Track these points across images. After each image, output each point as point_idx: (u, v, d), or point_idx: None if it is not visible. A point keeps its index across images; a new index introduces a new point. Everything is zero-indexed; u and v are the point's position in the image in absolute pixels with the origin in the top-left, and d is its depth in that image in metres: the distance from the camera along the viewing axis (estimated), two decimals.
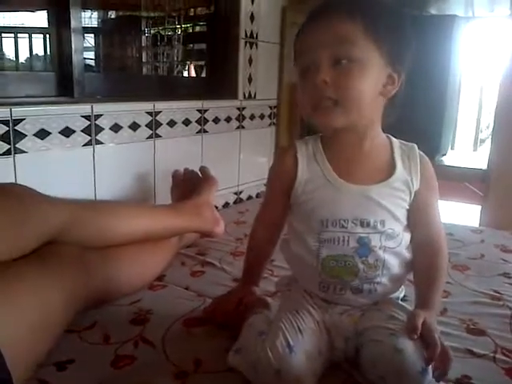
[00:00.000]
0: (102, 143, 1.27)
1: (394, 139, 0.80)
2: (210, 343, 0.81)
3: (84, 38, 1.31)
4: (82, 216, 0.91)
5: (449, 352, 0.67)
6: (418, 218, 0.77)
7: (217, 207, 1.67)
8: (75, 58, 1.26)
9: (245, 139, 1.79)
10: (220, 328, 0.85)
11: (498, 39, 2.27)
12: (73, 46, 1.25)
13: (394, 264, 0.76)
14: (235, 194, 1.81)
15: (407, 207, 0.77)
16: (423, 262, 0.78)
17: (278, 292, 0.91)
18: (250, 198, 1.89)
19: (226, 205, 1.78)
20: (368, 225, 0.73)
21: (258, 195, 1.91)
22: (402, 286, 0.84)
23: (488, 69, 2.76)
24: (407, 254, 0.78)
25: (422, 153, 0.79)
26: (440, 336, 0.68)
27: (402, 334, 0.67)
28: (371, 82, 0.71)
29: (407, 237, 0.78)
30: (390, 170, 0.76)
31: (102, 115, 1.26)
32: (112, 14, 2.12)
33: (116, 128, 1.30)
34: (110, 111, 1.28)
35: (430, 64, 1.64)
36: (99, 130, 1.26)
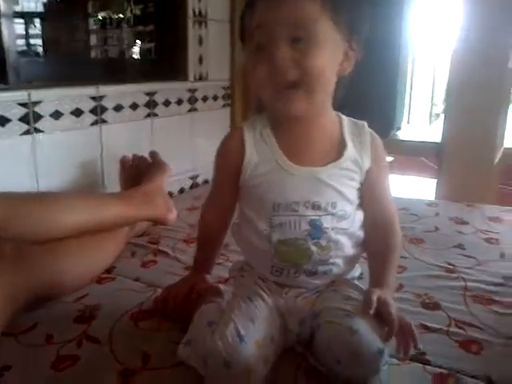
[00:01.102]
0: (42, 131, 1.20)
1: (344, 117, 0.77)
2: (160, 337, 0.78)
3: (30, 23, 1.23)
4: (20, 210, 0.85)
5: (411, 327, 0.66)
6: (370, 196, 0.76)
7: (172, 193, 1.63)
8: (8, 43, 1.17)
9: (198, 122, 1.74)
10: (170, 320, 0.81)
11: (448, 15, 2.28)
12: (3, 31, 1.16)
13: (347, 245, 0.75)
14: (191, 178, 1.77)
15: (358, 187, 0.75)
16: (376, 242, 0.76)
17: (231, 278, 0.88)
18: (206, 182, 1.84)
19: (182, 190, 1.73)
20: (319, 207, 0.71)
21: None
22: (358, 265, 0.82)
23: (440, 44, 2.78)
24: (360, 234, 0.77)
25: (372, 131, 0.77)
26: (399, 312, 0.67)
27: (358, 314, 0.66)
28: (330, 60, 0.68)
29: (359, 216, 0.76)
30: (341, 150, 0.74)
31: (41, 102, 1.19)
32: None
33: (57, 115, 1.23)
34: (50, 97, 1.21)
35: (382, 39, 1.62)
36: (38, 117, 1.19)
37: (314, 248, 0.72)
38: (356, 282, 0.80)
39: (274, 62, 0.66)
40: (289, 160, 0.72)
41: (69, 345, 0.75)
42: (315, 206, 0.71)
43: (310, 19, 0.66)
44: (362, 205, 0.77)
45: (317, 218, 0.71)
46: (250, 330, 0.66)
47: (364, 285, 0.77)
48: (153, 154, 1.30)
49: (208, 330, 0.66)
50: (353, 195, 0.74)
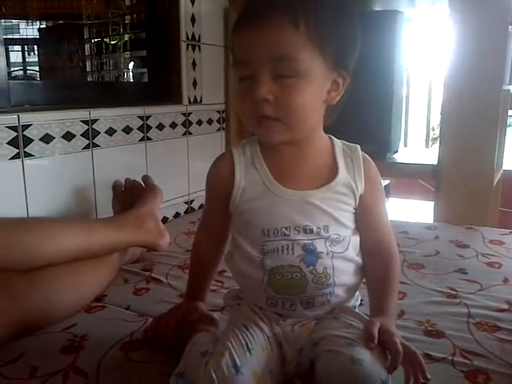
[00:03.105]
0: (32, 156, 1.17)
1: (336, 140, 0.75)
2: (151, 368, 0.74)
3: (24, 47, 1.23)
4: (5, 237, 0.82)
5: (418, 356, 0.62)
6: (365, 221, 0.74)
7: (167, 218, 1.60)
8: None
9: (193, 145, 1.72)
10: (162, 350, 0.77)
11: (440, 37, 2.30)
12: None
13: (345, 271, 0.72)
14: (186, 203, 1.74)
15: (353, 211, 0.72)
16: (374, 268, 0.74)
17: (227, 306, 0.85)
18: (201, 206, 1.81)
19: (177, 215, 1.70)
20: (311, 231, 0.69)
21: None
22: (358, 293, 0.79)
23: (435, 67, 2.81)
24: (358, 259, 0.74)
25: (365, 154, 0.75)
26: (404, 340, 0.63)
27: (360, 343, 0.62)
28: (315, 93, 0.66)
29: (355, 240, 0.74)
30: (332, 173, 0.71)
31: (30, 125, 1.16)
32: (47, 23, 2.03)
33: (47, 139, 1.21)
34: (40, 121, 1.19)
35: (375, 61, 1.62)
36: (28, 141, 1.16)
37: (309, 276, 0.69)
38: (357, 310, 0.77)
39: (255, 98, 0.64)
40: (278, 183, 0.70)
41: (55, 377, 0.71)
42: (307, 230, 0.69)
43: (294, 55, 0.63)
44: (358, 230, 0.74)
45: (309, 242, 0.69)
46: (247, 360, 0.62)
47: (363, 311, 0.74)
48: (145, 179, 1.28)
49: (202, 360, 0.62)
50: (347, 219, 0.72)
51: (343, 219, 0.71)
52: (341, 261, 0.71)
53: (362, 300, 0.80)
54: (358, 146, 0.75)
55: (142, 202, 1.16)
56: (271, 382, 0.64)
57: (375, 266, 0.74)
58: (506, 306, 0.93)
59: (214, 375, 0.59)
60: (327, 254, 0.69)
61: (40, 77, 1.86)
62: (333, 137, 0.76)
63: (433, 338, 0.82)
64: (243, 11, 0.68)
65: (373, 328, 0.63)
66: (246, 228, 0.73)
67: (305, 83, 0.64)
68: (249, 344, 0.65)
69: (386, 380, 0.59)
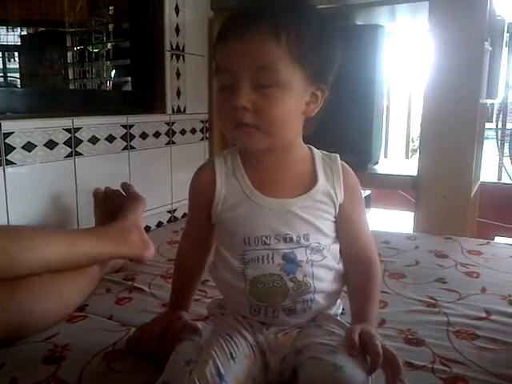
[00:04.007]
0: (13, 163, 1.16)
1: (315, 150, 0.77)
2: (134, 378, 0.73)
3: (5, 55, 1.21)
4: None
5: (396, 358, 0.63)
6: (347, 230, 0.75)
7: (149, 227, 1.59)
8: None
9: (176, 155, 1.72)
10: (145, 360, 0.77)
11: (420, 51, 2.36)
12: None
13: (325, 278, 0.73)
14: (169, 212, 1.74)
15: (333, 219, 0.74)
16: (355, 276, 0.75)
17: (210, 316, 0.85)
18: (184, 215, 1.81)
19: (160, 224, 1.69)
20: (291, 240, 0.70)
21: None
22: (339, 301, 0.80)
23: (414, 80, 2.87)
24: (338, 267, 0.75)
25: (344, 163, 0.76)
26: (384, 343, 0.64)
27: (342, 350, 0.63)
28: (294, 104, 0.67)
29: (335, 248, 0.75)
30: (312, 181, 0.73)
31: (12, 133, 1.15)
32: (28, 30, 2.02)
33: (29, 147, 1.20)
34: (22, 129, 1.18)
35: (356, 73, 1.65)
36: (10, 149, 1.15)
37: (290, 284, 0.69)
38: (338, 318, 0.78)
39: (234, 104, 0.65)
40: (259, 192, 0.71)
41: None
42: (287, 239, 0.70)
43: (274, 66, 0.64)
44: (339, 238, 0.75)
45: (290, 251, 0.70)
46: (231, 368, 0.63)
47: (345, 319, 0.75)
48: (125, 187, 1.26)
49: (186, 369, 0.63)
50: (327, 228, 0.73)
51: (323, 228, 0.72)
52: (321, 269, 0.72)
53: (343, 309, 0.81)
54: (338, 156, 0.76)
55: (126, 214, 1.15)
56: None
57: (356, 274, 0.75)
58: (484, 315, 0.95)
59: (198, 383, 0.59)
60: (307, 262, 0.70)
61: (21, 84, 1.84)
62: (312, 147, 0.77)
63: (413, 346, 0.83)
64: (227, 22, 0.69)
65: (354, 334, 0.64)
66: (227, 237, 0.73)
67: (284, 94, 0.65)
68: (232, 352, 0.66)
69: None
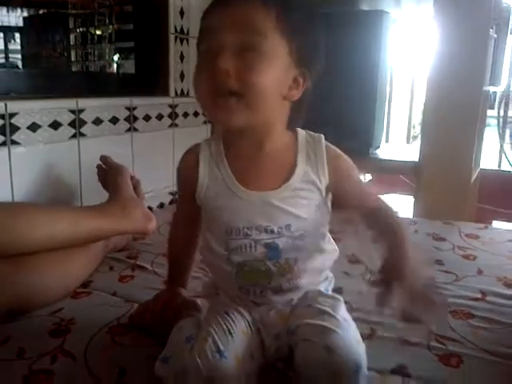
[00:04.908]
0: (18, 144, 1.17)
1: (301, 134, 0.74)
2: (137, 352, 0.75)
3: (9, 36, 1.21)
4: None
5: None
6: (350, 202, 0.74)
7: (151, 208, 1.61)
8: None
9: (179, 137, 1.73)
10: (148, 335, 0.79)
11: (424, 38, 2.35)
12: None
13: (308, 260, 0.73)
14: (171, 194, 1.75)
15: (317, 202, 0.72)
16: (376, 227, 0.73)
17: (206, 295, 0.86)
18: None
19: (162, 205, 1.71)
20: (272, 231, 0.70)
21: None
22: (331, 277, 0.81)
23: (417, 67, 2.86)
24: (322, 247, 0.76)
25: (329, 144, 0.74)
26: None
27: (334, 330, 0.63)
28: (277, 78, 0.66)
29: (322, 231, 0.76)
30: (292, 170, 0.71)
31: (17, 114, 1.16)
32: (32, 12, 2.01)
33: (34, 127, 1.21)
34: (27, 109, 1.19)
35: (360, 59, 1.65)
36: (15, 129, 1.16)
37: (273, 268, 0.71)
38: (330, 292, 0.79)
39: (216, 69, 0.63)
40: (240, 184, 0.71)
41: (42, 359, 0.72)
42: (268, 231, 0.70)
43: (261, 30, 0.63)
44: (345, 207, 0.75)
45: (271, 240, 0.70)
46: (229, 344, 0.64)
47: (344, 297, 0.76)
48: (104, 160, 1.27)
49: (186, 346, 0.64)
50: (310, 214, 0.71)
51: (306, 215, 0.71)
52: (304, 252, 0.72)
53: (341, 288, 0.82)
54: (322, 136, 0.74)
55: (119, 188, 1.16)
56: (253, 365, 0.67)
57: (375, 226, 0.73)
58: (479, 296, 0.97)
59: (198, 360, 0.61)
60: (290, 248, 0.71)
61: (23, 65, 1.84)
62: (299, 130, 0.75)
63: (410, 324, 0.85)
64: None
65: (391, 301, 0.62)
66: (211, 224, 0.74)
67: (267, 63, 0.64)
68: (230, 329, 0.67)
69: (359, 363, 0.61)
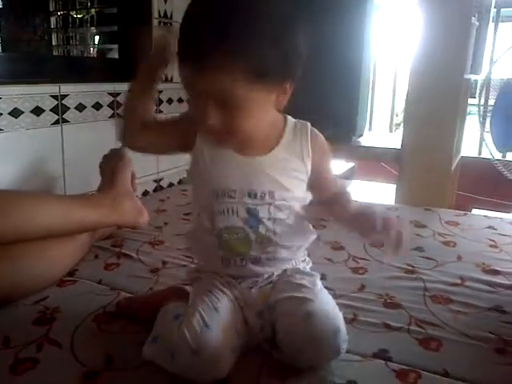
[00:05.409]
0: (0, 130, 1.16)
1: (290, 118, 0.78)
2: (123, 339, 0.76)
3: None
4: None
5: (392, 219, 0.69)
6: (319, 185, 0.78)
7: (136, 196, 1.60)
8: None
9: None
10: (135, 322, 0.80)
11: (407, 25, 2.36)
12: None
13: (287, 234, 0.76)
14: (155, 181, 1.75)
15: (302, 179, 0.76)
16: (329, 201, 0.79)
17: (190, 280, 0.87)
18: (171, 185, 1.83)
19: (146, 193, 1.70)
20: (255, 196, 0.73)
21: (179, 182, 1.86)
22: (307, 259, 0.84)
23: (401, 54, 2.87)
24: (301, 225, 0.79)
25: (314, 128, 0.78)
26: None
27: (311, 299, 0.69)
28: (261, 112, 0.68)
29: (302, 208, 0.78)
30: (278, 141, 0.75)
31: None
32: None
33: (16, 113, 1.19)
34: (9, 95, 1.17)
35: (343, 45, 1.66)
36: None
37: (252, 235, 0.74)
38: (308, 269, 0.82)
39: (206, 123, 0.66)
40: (230, 149, 0.74)
41: (28, 348, 0.73)
42: (251, 195, 0.73)
43: (235, 90, 0.63)
44: (313, 192, 0.79)
45: (253, 207, 0.73)
46: (215, 318, 0.68)
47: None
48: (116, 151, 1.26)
49: (175, 323, 0.68)
50: (294, 186, 0.75)
51: (290, 186, 0.74)
52: (283, 226, 0.75)
53: (323, 274, 0.84)
54: (309, 123, 0.78)
55: (116, 180, 1.16)
56: (238, 341, 0.70)
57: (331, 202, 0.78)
58: (459, 281, 0.99)
59: (187, 334, 0.64)
60: (269, 219, 0.74)
61: (2, 49, 1.80)
62: (288, 116, 0.78)
63: (391, 309, 0.87)
64: (182, 32, 0.65)
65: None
66: (199, 191, 0.77)
67: (251, 111, 0.66)
68: (215, 305, 0.70)
69: (338, 326, 0.67)
